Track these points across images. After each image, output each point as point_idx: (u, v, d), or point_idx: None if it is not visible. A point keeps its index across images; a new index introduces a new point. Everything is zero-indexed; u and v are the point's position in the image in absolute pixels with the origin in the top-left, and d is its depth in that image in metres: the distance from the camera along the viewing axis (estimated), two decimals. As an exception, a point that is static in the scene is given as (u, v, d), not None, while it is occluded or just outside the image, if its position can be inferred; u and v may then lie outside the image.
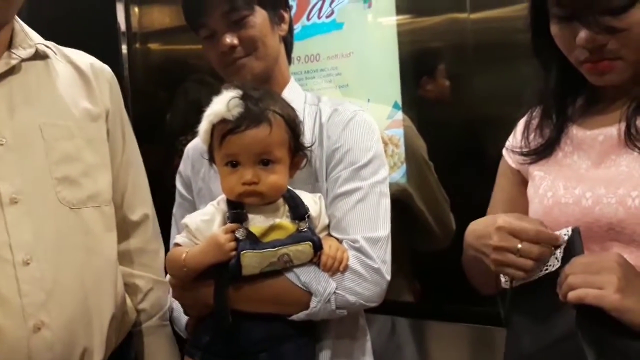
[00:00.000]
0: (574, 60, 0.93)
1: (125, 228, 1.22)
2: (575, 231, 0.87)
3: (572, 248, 0.86)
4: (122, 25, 2.04)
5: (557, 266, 0.87)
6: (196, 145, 1.29)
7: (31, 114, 1.07)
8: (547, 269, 0.88)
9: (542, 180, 1.00)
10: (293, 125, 1.07)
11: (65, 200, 1.07)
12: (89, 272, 1.08)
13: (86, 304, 1.07)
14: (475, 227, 0.99)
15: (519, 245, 0.87)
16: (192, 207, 1.25)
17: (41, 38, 1.15)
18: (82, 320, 1.06)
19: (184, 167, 1.31)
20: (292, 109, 1.09)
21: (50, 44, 1.16)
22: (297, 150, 1.08)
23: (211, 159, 1.09)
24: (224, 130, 1.02)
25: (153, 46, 2.14)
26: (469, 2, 1.52)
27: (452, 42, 1.55)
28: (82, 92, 1.15)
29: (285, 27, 1.25)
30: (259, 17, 1.18)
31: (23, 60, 1.08)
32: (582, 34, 0.88)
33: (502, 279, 0.95)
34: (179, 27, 2.00)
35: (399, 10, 1.59)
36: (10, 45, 1.08)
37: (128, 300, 1.22)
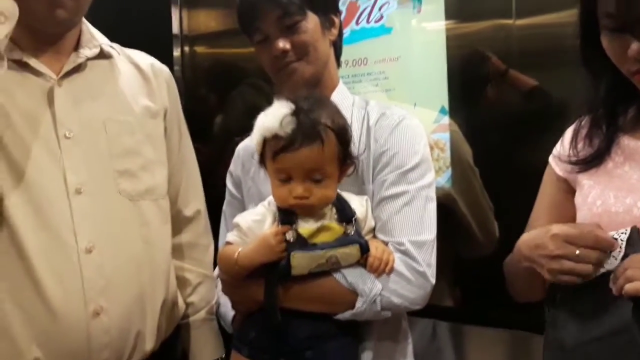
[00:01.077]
0: (626, 71, 0.93)
1: (178, 222, 1.27)
2: (634, 230, 0.87)
3: (631, 246, 0.86)
4: (176, 29, 2.11)
5: (615, 265, 0.87)
6: (247, 146, 1.32)
7: (95, 110, 1.13)
8: (605, 269, 0.88)
9: (591, 189, 0.99)
10: (344, 137, 1.07)
11: (125, 193, 1.12)
12: (145, 261, 1.13)
13: (141, 293, 1.12)
14: (528, 238, 0.98)
15: (577, 252, 0.88)
16: (242, 206, 1.29)
17: (106, 39, 1.21)
18: (138, 307, 1.11)
19: (234, 166, 1.34)
20: (343, 117, 1.10)
21: (115, 45, 1.22)
22: (346, 159, 1.09)
23: (262, 163, 1.11)
24: (276, 147, 1.03)
25: (204, 49, 2.19)
26: (515, 8, 1.51)
27: (499, 47, 1.55)
28: (142, 91, 1.21)
29: (335, 31, 1.27)
30: (311, 22, 1.20)
31: (89, 59, 1.15)
32: (634, 46, 0.88)
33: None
34: (230, 30, 2.05)
35: (448, 16, 1.60)
36: (77, 45, 1.14)
37: (178, 293, 1.26)
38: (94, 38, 1.17)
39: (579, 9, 0.99)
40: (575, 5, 1.00)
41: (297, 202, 1.05)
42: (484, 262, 1.53)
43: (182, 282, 1.28)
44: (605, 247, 0.87)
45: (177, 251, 1.27)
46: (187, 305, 1.29)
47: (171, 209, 1.23)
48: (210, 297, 1.31)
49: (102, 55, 1.18)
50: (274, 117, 1.03)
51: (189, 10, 2.13)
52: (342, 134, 1.07)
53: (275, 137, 1.03)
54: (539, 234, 0.95)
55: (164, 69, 1.30)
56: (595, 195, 0.97)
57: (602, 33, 0.94)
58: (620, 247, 0.87)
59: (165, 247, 1.20)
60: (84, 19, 1.16)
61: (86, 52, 1.14)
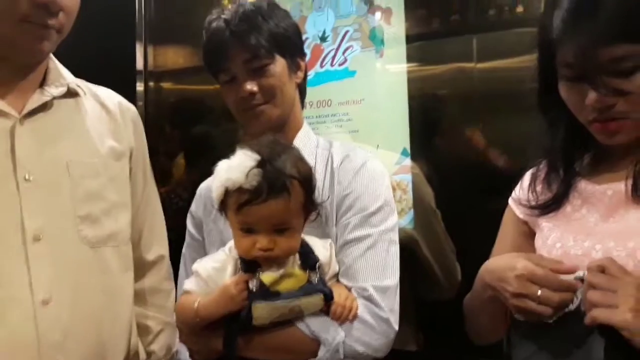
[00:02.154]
0: (583, 119, 0.95)
1: (140, 267, 1.23)
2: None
3: None
4: (140, 64, 2.10)
5: (576, 304, 0.88)
6: (208, 186, 1.30)
7: (59, 151, 1.08)
8: (568, 308, 0.89)
9: (551, 231, 1.01)
10: (309, 185, 1.06)
11: (86, 239, 1.07)
12: (105, 312, 1.09)
13: (101, 345, 1.07)
14: (494, 269, 0.99)
15: (539, 292, 0.88)
16: (202, 248, 1.27)
17: (73, 77, 1.16)
18: None
19: (195, 207, 1.32)
20: (307, 164, 1.09)
21: (81, 82, 1.18)
22: (310, 207, 1.08)
23: (222, 211, 1.08)
24: (240, 199, 1.00)
25: (167, 85, 2.18)
26: (476, 52, 1.56)
27: (460, 90, 1.58)
28: (108, 130, 1.17)
29: (301, 74, 1.28)
30: (279, 65, 1.20)
31: (55, 98, 1.10)
32: (591, 96, 0.90)
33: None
34: (194, 67, 2.05)
35: (410, 59, 1.64)
36: (43, 82, 1.09)
37: (139, 342, 1.21)
38: (62, 76, 1.13)
39: (537, 58, 1.01)
40: (534, 51, 1.03)
41: (261, 254, 1.02)
42: (447, 305, 1.52)
43: (143, 329, 1.23)
44: (566, 290, 0.88)
45: (139, 297, 1.23)
46: (148, 354, 1.24)
47: (133, 252, 1.19)
48: (171, 345, 1.27)
49: (69, 93, 1.13)
50: (239, 169, 1.00)
51: (153, 47, 2.13)
52: (308, 183, 1.06)
53: (240, 189, 1.00)
54: (504, 267, 0.95)
55: (131, 107, 1.26)
56: (555, 238, 0.99)
57: (560, 82, 0.96)
58: (580, 289, 0.88)
59: (127, 296, 1.16)
60: (51, 56, 1.12)
61: (52, 90, 1.09)
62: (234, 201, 1.02)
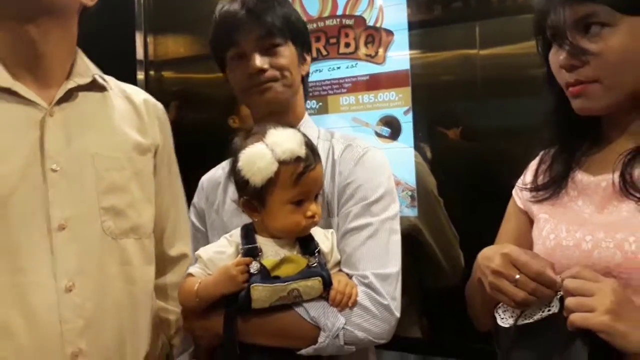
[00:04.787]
0: (563, 86, 0.96)
1: (163, 263, 1.23)
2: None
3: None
4: (140, 54, 2.09)
5: (557, 308, 0.87)
6: (211, 177, 1.30)
7: (86, 143, 1.09)
8: (549, 310, 0.88)
9: (546, 222, 1.01)
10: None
11: (109, 230, 1.08)
12: (126, 302, 1.10)
13: (122, 333, 1.08)
14: (486, 250, 0.99)
15: (517, 276, 0.88)
16: (205, 239, 1.26)
17: (100, 71, 1.18)
18: (118, 349, 1.07)
19: (197, 198, 1.32)
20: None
21: (109, 78, 1.19)
22: None
23: (258, 197, 1.05)
24: (298, 169, 1.02)
25: (168, 74, 2.18)
26: (479, 39, 1.54)
27: (463, 78, 1.57)
28: (134, 126, 1.18)
29: (307, 68, 1.29)
30: (289, 50, 1.21)
31: (80, 87, 1.11)
32: (561, 56, 0.92)
33: (499, 318, 0.95)
34: (194, 57, 2.05)
35: (413, 46, 1.63)
36: (69, 75, 1.11)
37: (161, 334, 1.22)
38: (88, 68, 1.15)
39: (535, 37, 1.02)
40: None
41: (309, 222, 1.05)
42: (451, 292, 1.52)
43: (164, 323, 1.25)
44: (545, 283, 0.88)
45: (161, 291, 1.24)
46: (171, 346, 1.26)
47: (156, 248, 1.20)
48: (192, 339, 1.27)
49: (96, 87, 1.14)
50: (291, 140, 1.02)
51: (153, 36, 2.12)
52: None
53: (297, 159, 1.02)
54: (495, 249, 0.96)
55: (158, 105, 1.27)
56: (549, 229, 0.99)
57: (550, 51, 0.97)
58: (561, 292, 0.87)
59: (147, 288, 1.17)
60: (78, 49, 1.14)
61: (78, 79, 1.11)
62: (291, 173, 1.02)
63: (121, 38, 2.09)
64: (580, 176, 0.99)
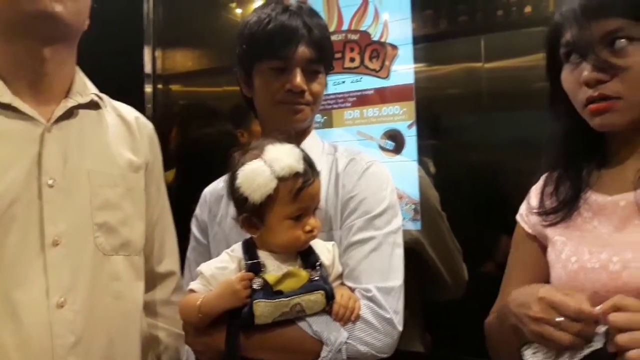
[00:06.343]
0: (579, 104, 0.95)
1: (152, 279, 1.24)
2: None
3: None
4: (148, 67, 2.12)
5: (602, 342, 0.83)
6: (213, 190, 1.31)
7: (82, 160, 1.11)
8: (591, 347, 0.84)
9: (564, 245, 0.98)
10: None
11: (101, 247, 1.10)
12: (116, 318, 1.11)
13: (112, 349, 1.09)
14: (517, 296, 0.95)
15: (558, 319, 0.85)
16: (207, 252, 1.27)
17: (96, 89, 1.20)
18: None
19: (200, 211, 1.32)
20: None
21: (103, 96, 1.21)
22: None
23: (257, 215, 1.05)
24: (297, 184, 1.03)
25: (176, 87, 2.20)
26: (484, 52, 1.55)
27: (468, 92, 1.58)
28: (126, 144, 1.20)
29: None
30: (324, 78, 1.25)
31: (80, 106, 1.13)
32: (585, 71, 0.92)
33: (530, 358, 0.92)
34: (202, 71, 2.07)
35: (417, 60, 1.64)
36: (68, 93, 1.13)
37: (150, 351, 1.23)
38: (86, 87, 1.17)
39: (545, 54, 1.02)
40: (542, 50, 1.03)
41: (308, 237, 1.06)
42: (454, 306, 1.52)
43: (153, 340, 1.25)
44: (587, 319, 0.83)
45: (150, 308, 1.24)
46: None
47: (145, 264, 1.21)
48: (180, 356, 1.28)
49: (92, 105, 1.17)
50: (289, 156, 1.03)
51: (162, 50, 2.15)
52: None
53: (296, 175, 1.03)
54: (527, 293, 0.92)
55: (148, 124, 1.30)
56: (570, 252, 0.96)
57: (563, 70, 0.97)
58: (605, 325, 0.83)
59: (137, 304, 1.17)
60: (77, 67, 1.16)
61: (78, 98, 1.13)
62: (290, 190, 1.03)
63: (129, 52, 2.12)
64: (595, 197, 0.97)
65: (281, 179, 1.02)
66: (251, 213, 1.05)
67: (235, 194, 1.06)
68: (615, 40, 0.90)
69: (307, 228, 1.05)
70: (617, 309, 0.82)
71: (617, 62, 0.89)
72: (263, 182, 1.02)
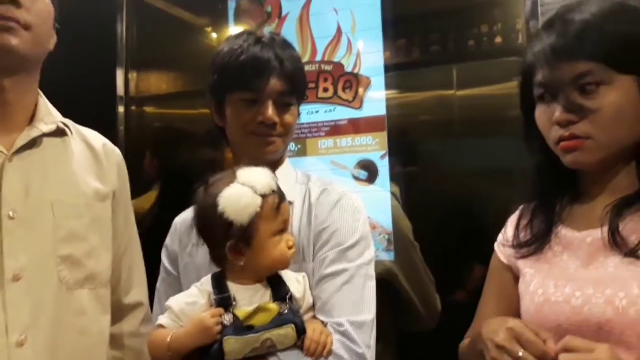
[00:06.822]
0: (552, 142, 0.97)
1: (119, 310, 1.20)
2: None
3: None
4: (121, 89, 2.10)
5: None
6: (184, 219, 1.29)
7: (45, 190, 1.06)
8: None
9: (533, 277, 1.00)
10: None
11: (64, 280, 1.05)
12: (80, 354, 1.06)
13: None
14: (490, 322, 0.96)
15: (520, 354, 0.86)
16: (177, 283, 1.24)
17: (61, 116, 1.16)
18: None
19: (170, 241, 1.30)
20: None
21: (68, 122, 1.17)
22: None
23: (244, 239, 1.04)
24: (276, 200, 1.06)
25: (148, 109, 2.18)
26: (456, 80, 1.58)
27: (439, 120, 1.60)
28: (93, 172, 1.16)
29: None
30: (296, 110, 1.25)
31: (44, 135, 1.09)
32: (557, 111, 0.94)
33: None
34: (175, 93, 2.06)
35: (390, 90, 1.65)
36: (32, 120, 1.08)
37: None
38: (50, 114, 1.12)
39: (519, 91, 1.04)
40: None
41: (291, 252, 1.08)
42: (427, 337, 1.52)
43: None
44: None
45: (116, 340, 1.20)
46: None
47: (112, 295, 1.17)
48: None
49: (57, 132, 1.12)
50: (264, 177, 1.06)
51: (136, 72, 2.13)
52: None
53: (273, 192, 1.06)
54: (500, 321, 0.93)
55: (116, 150, 1.25)
56: (537, 284, 0.98)
57: (536, 107, 0.99)
58: None
59: (103, 339, 1.13)
60: (40, 92, 1.12)
61: (42, 126, 1.08)
62: (271, 204, 1.06)
63: (102, 73, 2.09)
64: (564, 231, 1.00)
65: (264, 196, 1.04)
66: (237, 238, 1.04)
67: (216, 223, 1.03)
68: (585, 83, 0.91)
69: (290, 243, 1.08)
70: (567, 350, 0.83)
71: (587, 104, 0.91)
72: (249, 202, 1.02)
